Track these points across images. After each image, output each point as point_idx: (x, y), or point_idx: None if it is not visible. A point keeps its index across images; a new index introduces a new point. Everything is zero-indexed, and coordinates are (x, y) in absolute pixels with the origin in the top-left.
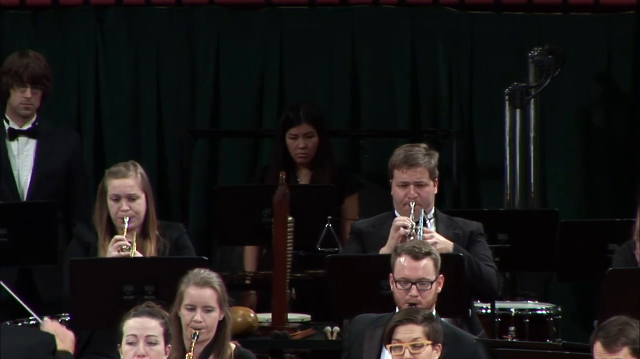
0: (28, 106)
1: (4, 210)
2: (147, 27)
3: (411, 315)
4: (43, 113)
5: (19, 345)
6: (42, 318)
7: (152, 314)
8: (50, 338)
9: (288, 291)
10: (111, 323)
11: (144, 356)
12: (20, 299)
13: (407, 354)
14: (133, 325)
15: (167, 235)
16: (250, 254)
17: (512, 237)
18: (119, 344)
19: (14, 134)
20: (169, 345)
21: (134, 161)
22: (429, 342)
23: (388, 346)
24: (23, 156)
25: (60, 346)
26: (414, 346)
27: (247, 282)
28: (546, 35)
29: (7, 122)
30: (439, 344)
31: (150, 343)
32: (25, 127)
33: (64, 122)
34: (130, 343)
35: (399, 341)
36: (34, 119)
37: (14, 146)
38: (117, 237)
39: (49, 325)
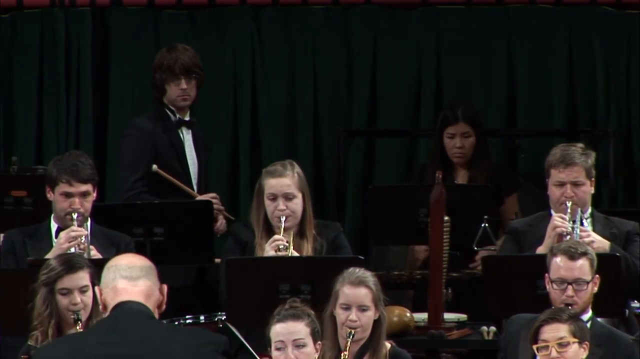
0: (185, 97)
1: (162, 209)
2: (304, 26)
3: (556, 314)
4: (199, 112)
5: (187, 345)
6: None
7: (296, 317)
8: (221, 339)
9: (444, 290)
10: (267, 323)
11: None
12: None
13: (553, 353)
14: (279, 331)
15: (324, 234)
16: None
17: None
18: (269, 348)
19: (180, 125)
20: (319, 342)
21: (291, 160)
22: (575, 340)
23: (535, 346)
24: (187, 148)
25: None
26: (560, 345)
27: (403, 281)
28: None
29: (174, 114)
30: (586, 343)
31: (298, 345)
32: (186, 119)
33: (220, 122)
34: (278, 349)
35: (544, 340)
36: (189, 111)
37: (181, 137)
38: (275, 237)
39: None
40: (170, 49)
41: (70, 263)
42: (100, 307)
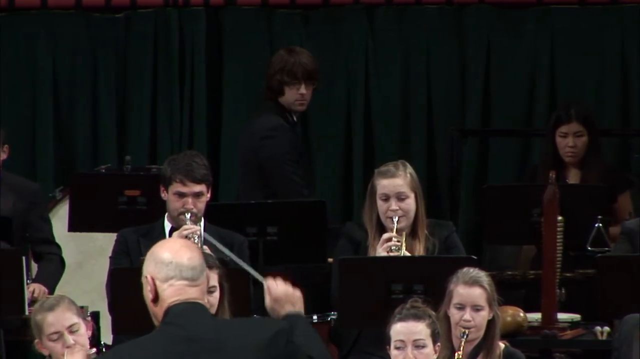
0: (302, 102)
1: (275, 209)
2: (417, 26)
3: None
4: (312, 113)
5: (258, 338)
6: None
7: (417, 317)
8: (285, 325)
9: (558, 290)
10: (379, 323)
11: None
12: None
13: None
14: (400, 330)
15: (437, 234)
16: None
17: None
18: (387, 346)
19: (296, 126)
20: (438, 344)
21: (403, 161)
22: None
23: None
24: None
25: (290, 307)
26: None
27: (517, 281)
28: None
29: (290, 115)
30: None
31: (418, 346)
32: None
33: (334, 121)
34: (398, 348)
35: None
36: None
37: None
38: (385, 237)
39: (274, 287)
40: (291, 52)
41: None
42: (150, 297)
